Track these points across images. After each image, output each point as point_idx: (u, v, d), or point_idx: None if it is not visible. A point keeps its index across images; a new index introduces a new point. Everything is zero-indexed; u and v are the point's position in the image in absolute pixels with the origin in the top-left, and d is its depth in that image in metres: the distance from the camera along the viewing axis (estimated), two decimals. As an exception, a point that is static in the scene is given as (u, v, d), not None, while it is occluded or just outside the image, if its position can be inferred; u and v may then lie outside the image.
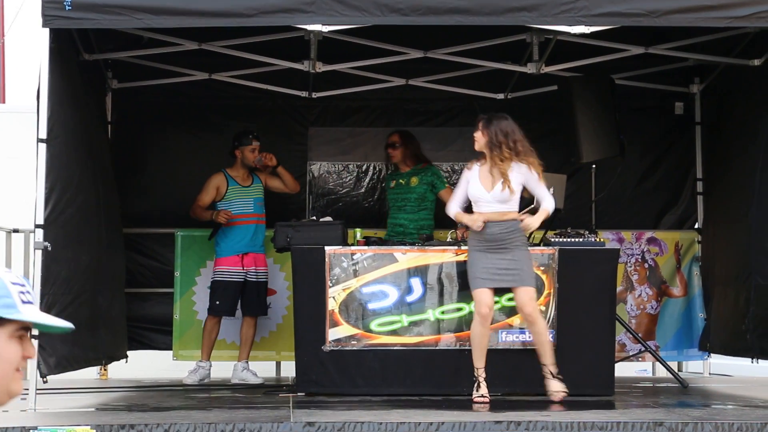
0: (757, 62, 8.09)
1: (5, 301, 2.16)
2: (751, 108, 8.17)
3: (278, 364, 9.48)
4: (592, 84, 8.50)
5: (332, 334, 7.36)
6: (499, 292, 7.11)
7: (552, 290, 7.39)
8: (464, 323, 7.32)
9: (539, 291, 7.37)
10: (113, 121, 9.22)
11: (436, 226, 8.53)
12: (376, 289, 7.41)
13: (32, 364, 6.32)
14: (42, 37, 6.45)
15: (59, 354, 6.62)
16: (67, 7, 6.39)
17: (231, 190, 8.64)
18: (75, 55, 7.48)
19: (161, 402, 7.09)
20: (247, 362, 8.64)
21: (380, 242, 7.80)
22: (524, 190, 7.03)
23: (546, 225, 7.90)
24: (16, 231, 9.68)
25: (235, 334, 8.86)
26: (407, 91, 9.36)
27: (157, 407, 6.74)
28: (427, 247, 7.50)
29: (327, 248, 7.39)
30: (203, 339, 8.66)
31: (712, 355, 9.43)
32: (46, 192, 6.45)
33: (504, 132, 6.93)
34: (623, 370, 8.85)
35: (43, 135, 6.45)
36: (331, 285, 7.37)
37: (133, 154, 9.40)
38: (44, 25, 6.43)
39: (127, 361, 8.97)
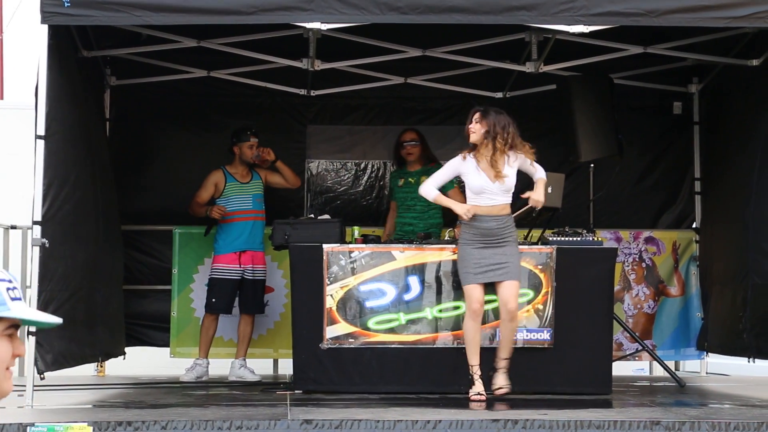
0: (755, 62, 8.09)
1: None
2: (749, 108, 8.18)
3: (276, 362, 9.48)
4: (590, 83, 8.50)
5: (330, 331, 7.36)
6: (491, 290, 7.10)
7: (549, 289, 7.39)
8: (461, 321, 7.32)
9: (537, 290, 7.38)
10: (111, 118, 9.21)
11: (444, 225, 8.50)
12: (374, 287, 7.41)
13: (29, 361, 6.33)
14: (41, 34, 6.45)
15: (56, 351, 6.62)
16: (65, 4, 6.38)
17: (229, 186, 8.64)
18: (73, 52, 7.48)
19: (158, 399, 7.09)
20: (244, 360, 8.64)
21: (378, 240, 7.80)
22: (520, 191, 7.08)
23: (544, 224, 7.92)
24: (13, 227, 9.68)
25: (232, 331, 8.85)
26: (406, 89, 9.35)
27: (155, 404, 6.74)
28: (424, 246, 7.50)
29: (325, 246, 7.39)
30: (201, 336, 8.65)
31: (709, 354, 9.44)
32: (44, 188, 6.45)
33: (502, 123, 6.98)
34: (620, 369, 8.86)
35: (41, 132, 6.45)
36: (328, 283, 7.37)
37: (132, 152, 9.40)
38: (43, 21, 6.43)
39: (124, 358, 8.97)
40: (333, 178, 9.66)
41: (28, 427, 5.40)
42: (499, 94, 9.39)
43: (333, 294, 7.37)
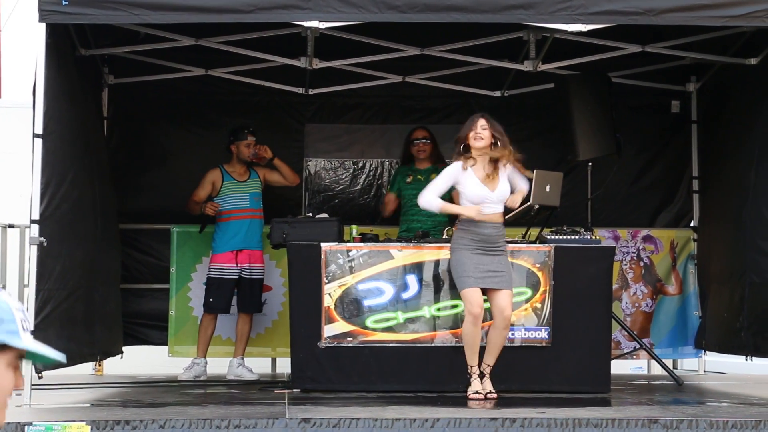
0: (753, 61, 8.10)
1: (10, 327, 2.11)
2: (747, 107, 8.18)
3: (274, 361, 9.48)
4: (588, 82, 8.50)
5: (328, 330, 7.36)
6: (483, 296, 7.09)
7: (548, 288, 7.39)
8: (459, 320, 7.32)
9: (535, 288, 7.38)
10: (109, 116, 9.21)
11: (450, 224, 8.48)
12: (372, 286, 7.41)
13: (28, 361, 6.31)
14: (38, 32, 6.44)
15: (54, 349, 6.60)
16: (63, 2, 6.38)
17: (226, 185, 8.64)
18: (71, 51, 7.47)
19: (156, 398, 7.09)
20: (242, 358, 8.64)
21: (376, 239, 7.80)
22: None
23: (542, 222, 7.91)
24: (11, 226, 9.66)
25: (230, 330, 8.85)
26: (404, 88, 9.35)
27: (153, 403, 6.74)
28: (422, 244, 7.50)
29: (323, 245, 7.39)
30: (199, 336, 8.65)
31: (707, 352, 9.45)
32: (42, 187, 6.45)
33: (499, 131, 6.98)
34: (618, 367, 8.86)
35: (39, 130, 6.44)
36: (326, 281, 7.37)
37: (129, 150, 9.39)
38: (41, 20, 6.42)
39: (122, 357, 8.97)
40: (331, 176, 9.66)
41: (26, 426, 5.40)
42: (497, 93, 9.39)
43: (331, 293, 7.37)
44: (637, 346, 8.73)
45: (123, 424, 5.53)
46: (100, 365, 9.30)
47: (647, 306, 9.43)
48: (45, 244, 6.39)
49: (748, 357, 8.20)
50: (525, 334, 7.40)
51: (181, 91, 9.34)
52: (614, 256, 7.76)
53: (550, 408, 6.31)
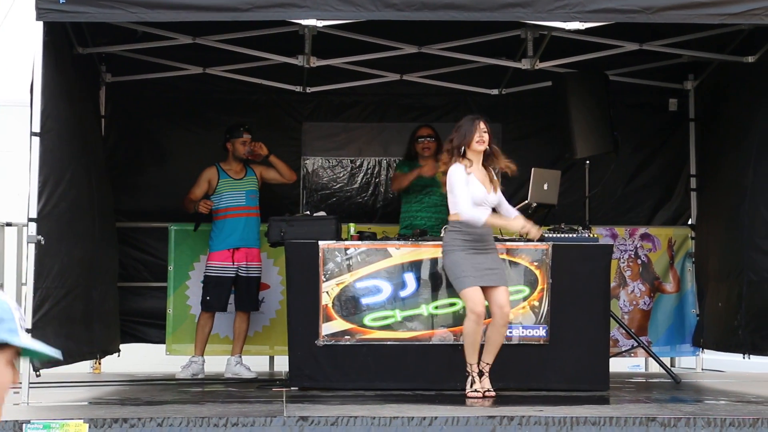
0: (751, 59, 8.10)
1: (9, 326, 2.17)
2: (744, 105, 8.19)
3: (271, 359, 9.48)
4: (586, 80, 8.51)
5: (326, 328, 7.36)
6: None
7: (545, 286, 7.40)
8: (458, 318, 7.33)
9: (533, 287, 7.38)
10: (107, 115, 9.21)
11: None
12: (370, 284, 7.41)
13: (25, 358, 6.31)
14: (36, 31, 6.43)
15: (52, 347, 6.60)
16: (61, 1, 6.37)
17: (222, 183, 8.64)
18: (69, 49, 7.47)
19: (154, 396, 7.09)
20: (240, 357, 8.64)
21: (374, 237, 7.79)
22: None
23: (540, 221, 7.91)
24: (9, 225, 9.66)
25: (228, 328, 8.85)
26: (401, 86, 9.35)
27: (151, 401, 6.74)
28: (420, 242, 7.50)
29: (321, 243, 7.39)
30: (196, 334, 8.65)
31: (704, 350, 9.45)
32: (40, 186, 6.44)
33: (491, 133, 7.00)
34: (616, 365, 8.86)
35: (37, 129, 6.44)
36: (324, 280, 7.37)
37: (127, 149, 9.39)
38: (38, 18, 6.42)
39: (119, 355, 8.97)
40: (329, 175, 9.66)
41: (24, 425, 5.40)
42: (495, 91, 9.39)
43: (329, 291, 7.37)
44: (635, 344, 8.73)
45: (121, 422, 5.53)
46: (98, 363, 9.30)
47: (645, 304, 9.43)
48: (43, 242, 6.39)
49: (746, 355, 8.21)
50: (523, 332, 7.40)
51: (178, 89, 9.34)
52: (612, 254, 7.75)
53: (548, 406, 6.32)
